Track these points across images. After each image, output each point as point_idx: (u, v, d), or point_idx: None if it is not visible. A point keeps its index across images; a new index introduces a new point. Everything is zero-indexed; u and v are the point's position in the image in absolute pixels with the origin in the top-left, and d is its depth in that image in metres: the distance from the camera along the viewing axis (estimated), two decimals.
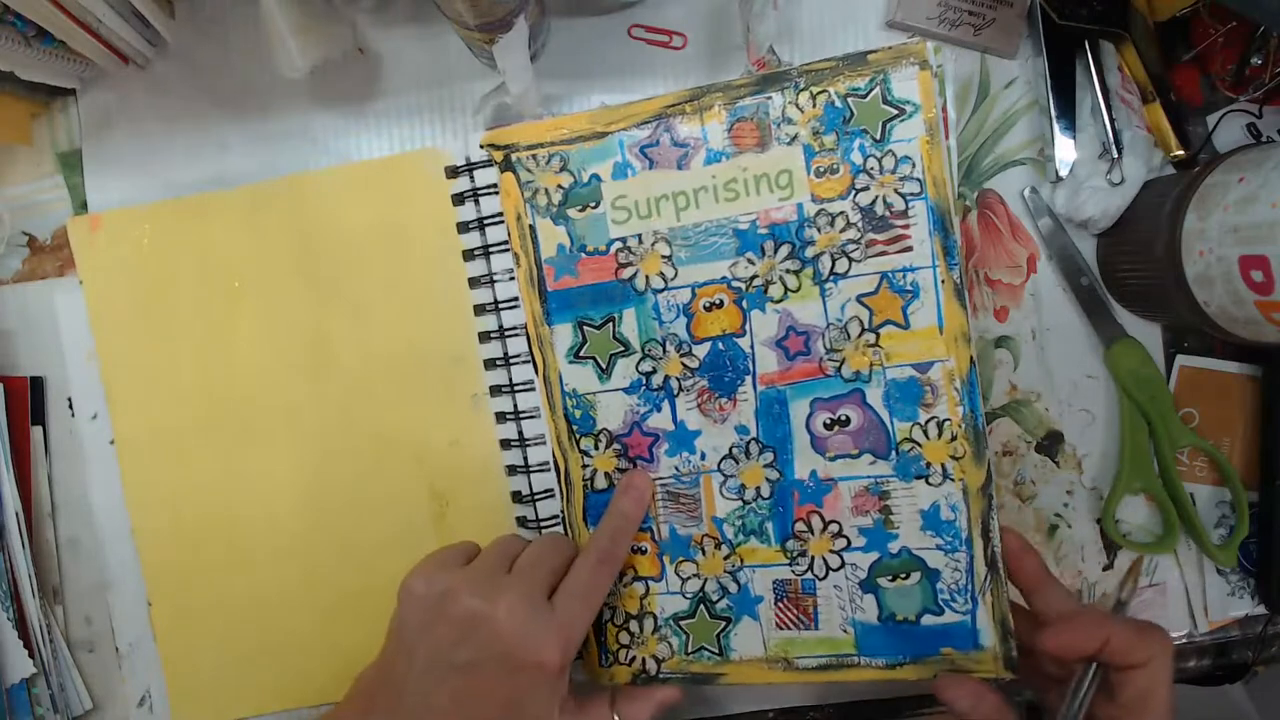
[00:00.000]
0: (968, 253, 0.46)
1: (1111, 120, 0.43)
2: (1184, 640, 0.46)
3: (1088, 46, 0.44)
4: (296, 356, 0.46)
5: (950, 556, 0.41)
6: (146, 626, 0.47)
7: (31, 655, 0.45)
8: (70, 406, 0.48)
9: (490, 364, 0.45)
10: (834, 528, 0.43)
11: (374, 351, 0.46)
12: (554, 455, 0.45)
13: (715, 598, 0.44)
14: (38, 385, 0.48)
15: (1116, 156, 0.43)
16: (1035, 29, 0.44)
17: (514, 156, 0.44)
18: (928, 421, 0.42)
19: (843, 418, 0.43)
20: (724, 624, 0.44)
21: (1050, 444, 0.46)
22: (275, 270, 0.46)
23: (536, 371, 0.44)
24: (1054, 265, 0.46)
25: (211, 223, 0.46)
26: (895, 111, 0.41)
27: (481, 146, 0.44)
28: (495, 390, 0.45)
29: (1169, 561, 0.46)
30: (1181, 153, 0.44)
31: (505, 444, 0.45)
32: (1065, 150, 0.44)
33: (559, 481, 0.45)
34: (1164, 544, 0.45)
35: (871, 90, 0.41)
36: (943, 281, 0.41)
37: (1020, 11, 0.45)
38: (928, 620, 0.42)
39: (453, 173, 0.45)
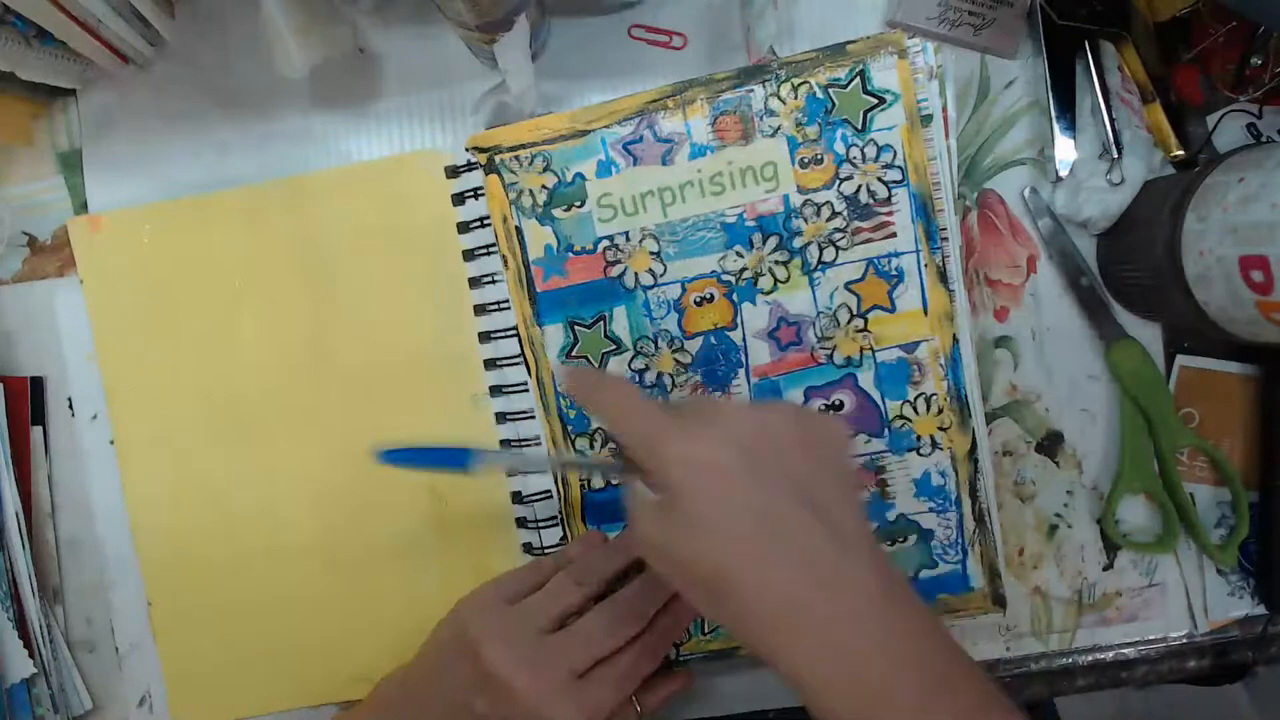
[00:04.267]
0: (968, 253, 0.46)
1: (1111, 120, 0.43)
2: (1184, 640, 0.46)
3: (1088, 46, 0.44)
4: (296, 356, 0.46)
5: (942, 517, 0.44)
6: (146, 626, 0.47)
7: (31, 655, 0.45)
8: (70, 406, 0.48)
9: (490, 364, 0.45)
10: None
11: (374, 351, 0.46)
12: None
13: None
14: (38, 385, 0.48)
15: (1116, 156, 0.43)
16: (1035, 29, 0.44)
17: (497, 158, 0.44)
18: (916, 398, 0.43)
19: (837, 402, 0.44)
20: None
21: (1050, 444, 0.46)
22: (275, 270, 0.46)
23: (530, 372, 0.44)
24: (1054, 265, 0.46)
25: (212, 223, 0.46)
26: (875, 101, 0.42)
27: (466, 149, 0.44)
28: (495, 390, 0.45)
29: (1169, 561, 0.46)
30: (1181, 153, 0.44)
31: (505, 444, 0.45)
32: (1065, 150, 0.44)
33: (556, 482, 0.45)
34: (1164, 544, 0.45)
35: (851, 80, 0.42)
36: (926, 265, 0.43)
37: (1020, 11, 0.45)
38: (924, 574, 0.44)
39: (453, 173, 0.45)
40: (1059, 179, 0.44)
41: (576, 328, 0.44)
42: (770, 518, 0.30)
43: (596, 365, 0.44)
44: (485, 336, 0.45)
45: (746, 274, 0.43)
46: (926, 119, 0.42)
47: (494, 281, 0.45)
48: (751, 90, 0.42)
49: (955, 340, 0.43)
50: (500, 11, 0.38)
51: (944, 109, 0.43)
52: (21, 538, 0.46)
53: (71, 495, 0.48)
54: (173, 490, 0.47)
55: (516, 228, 0.44)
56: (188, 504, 0.47)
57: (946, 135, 0.43)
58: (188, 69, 0.47)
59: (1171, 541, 0.45)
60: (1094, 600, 0.46)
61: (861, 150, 0.42)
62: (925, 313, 0.43)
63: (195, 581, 0.47)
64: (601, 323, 0.44)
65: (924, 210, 0.42)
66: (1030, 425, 0.46)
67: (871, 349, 0.43)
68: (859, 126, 0.42)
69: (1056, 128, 0.44)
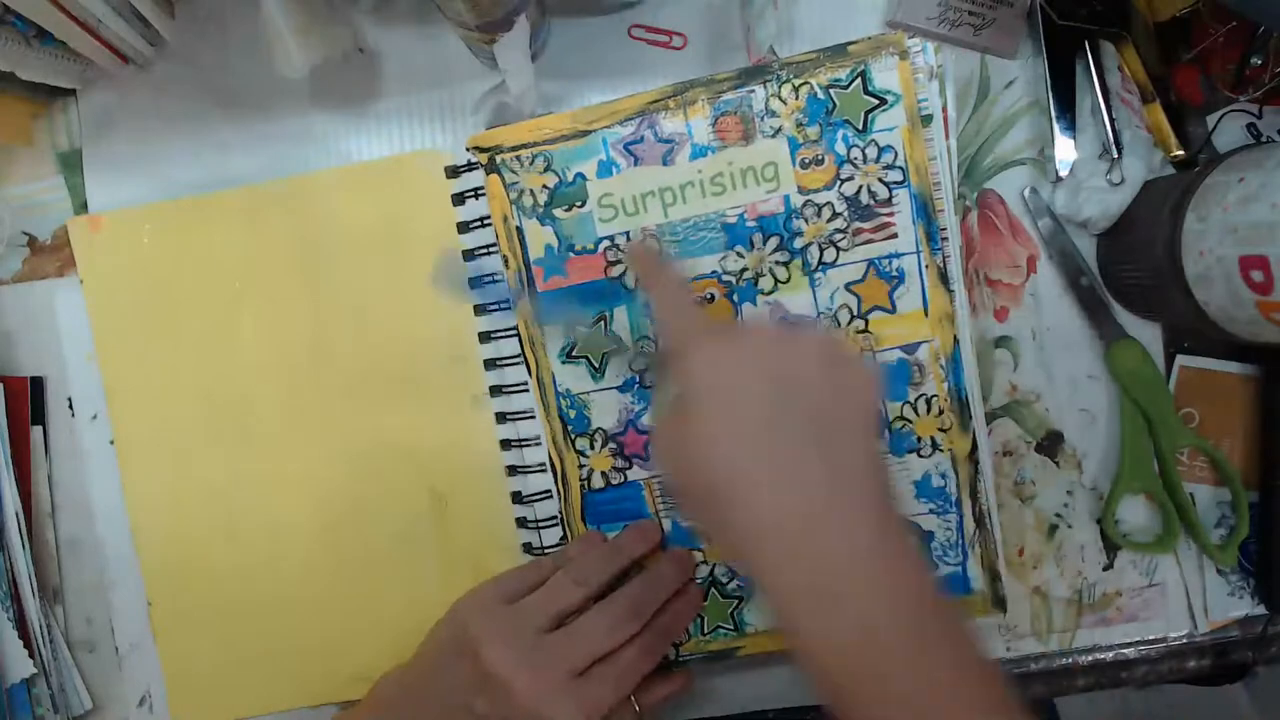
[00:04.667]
0: (968, 253, 0.46)
1: (1111, 120, 0.43)
2: (1184, 640, 0.46)
3: (1088, 46, 0.44)
4: (296, 357, 0.46)
5: (942, 518, 0.44)
6: (146, 626, 0.47)
7: (31, 655, 0.45)
8: (70, 406, 0.48)
9: (490, 364, 0.45)
10: None
11: (374, 352, 0.46)
12: (550, 456, 0.45)
13: (725, 580, 0.45)
14: (38, 385, 0.48)
15: (1116, 156, 0.43)
16: (1035, 29, 0.44)
17: (498, 159, 0.44)
18: (917, 399, 0.43)
19: None
20: (736, 602, 0.44)
21: (1050, 444, 0.46)
22: (275, 271, 0.46)
23: (530, 372, 0.44)
24: (1054, 265, 0.46)
25: (212, 223, 0.46)
26: (876, 101, 0.42)
27: (467, 149, 0.44)
28: (495, 390, 0.45)
29: (1169, 561, 0.46)
30: (1181, 153, 0.44)
31: (505, 444, 0.45)
32: (1065, 150, 0.44)
33: (556, 482, 0.45)
34: (1164, 544, 0.45)
35: (853, 81, 0.42)
36: (926, 266, 0.43)
37: (1020, 11, 0.44)
38: None
39: (453, 173, 0.45)
40: (1059, 179, 0.44)
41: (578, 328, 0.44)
42: (775, 442, 0.31)
43: (597, 366, 0.44)
44: (485, 336, 0.45)
45: (747, 274, 0.43)
46: (926, 119, 0.42)
47: (495, 281, 0.45)
48: (752, 91, 0.42)
49: (956, 342, 0.43)
50: (500, 11, 0.38)
51: (944, 109, 0.43)
52: (21, 538, 0.46)
53: (71, 495, 0.48)
54: (173, 490, 0.47)
55: (517, 228, 0.44)
56: (188, 504, 0.47)
57: (946, 135, 0.43)
58: (188, 69, 0.47)
59: (1171, 541, 0.45)
60: (1094, 600, 0.46)
61: (862, 151, 0.42)
62: (926, 314, 0.43)
63: (195, 581, 0.47)
64: (602, 323, 0.44)
65: (925, 211, 0.42)
66: (1030, 425, 0.46)
67: (872, 350, 0.43)
68: (860, 127, 0.42)
69: (1056, 128, 0.44)
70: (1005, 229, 0.46)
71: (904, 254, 0.43)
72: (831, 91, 0.42)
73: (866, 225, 0.43)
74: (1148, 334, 0.45)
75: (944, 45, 0.44)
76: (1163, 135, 0.44)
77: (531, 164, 0.43)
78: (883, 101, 0.42)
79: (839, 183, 0.43)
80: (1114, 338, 0.45)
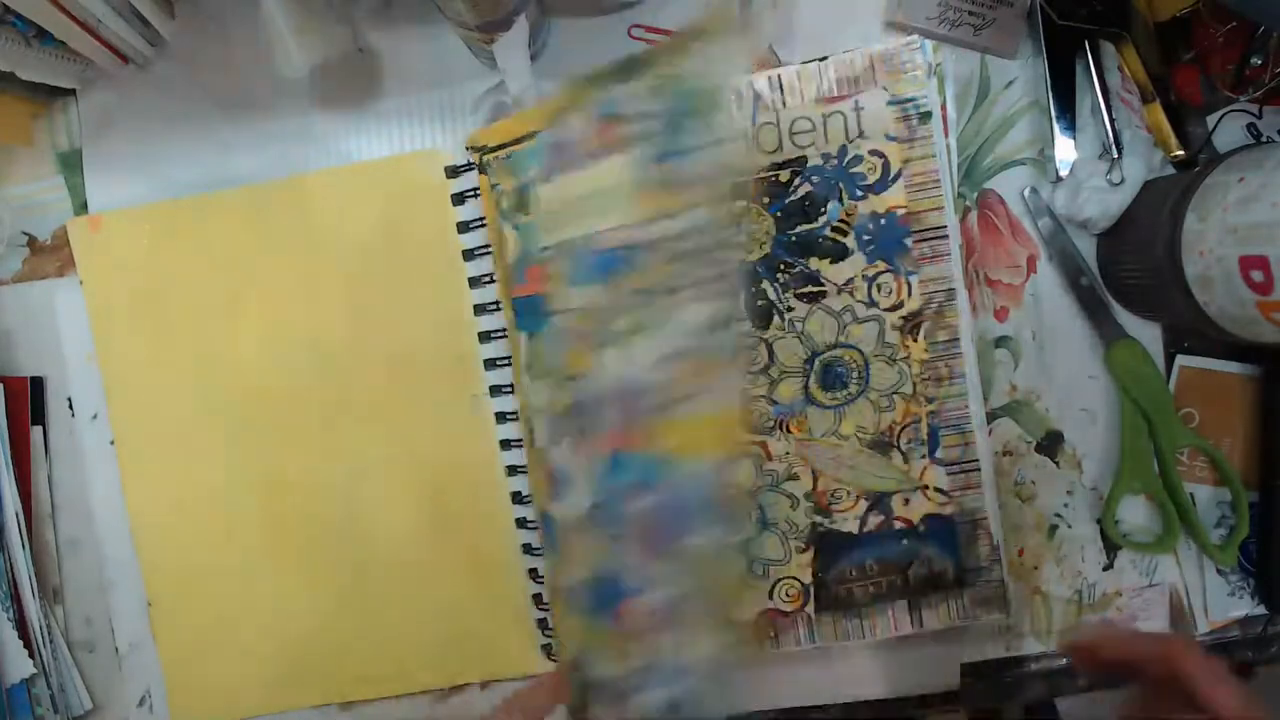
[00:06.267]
0: (968, 253, 0.46)
1: (1111, 120, 0.43)
2: None
3: (1088, 46, 0.44)
4: (296, 357, 0.46)
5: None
6: (146, 626, 0.47)
7: (31, 655, 0.45)
8: (70, 406, 0.48)
9: (490, 364, 0.45)
10: None
11: (374, 352, 0.46)
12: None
13: None
14: (38, 385, 0.48)
15: (1116, 156, 0.43)
16: (1035, 29, 0.44)
17: (485, 159, 0.43)
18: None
19: None
20: None
21: (1050, 444, 0.46)
22: (275, 270, 0.46)
23: (516, 377, 0.44)
24: (1054, 265, 0.46)
25: (212, 223, 0.46)
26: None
27: (467, 149, 0.44)
28: (495, 390, 0.45)
29: (1169, 561, 0.46)
30: (1181, 153, 0.44)
31: (505, 444, 0.45)
32: (1065, 150, 0.44)
33: None
34: (1164, 544, 0.45)
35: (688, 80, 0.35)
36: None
37: (1020, 11, 0.44)
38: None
39: (453, 173, 0.45)
40: (1059, 179, 0.44)
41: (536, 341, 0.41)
42: None
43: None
44: (485, 336, 0.45)
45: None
46: (925, 116, 0.42)
47: (494, 281, 0.45)
48: (623, 87, 0.35)
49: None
50: (500, 11, 0.38)
51: (943, 107, 0.43)
52: (21, 538, 0.46)
53: (71, 495, 0.48)
54: (173, 490, 0.47)
55: (499, 230, 0.43)
56: (188, 504, 0.47)
57: (946, 133, 0.43)
58: (188, 69, 0.47)
59: (1171, 541, 0.45)
60: (1094, 600, 0.46)
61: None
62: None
63: (195, 581, 0.47)
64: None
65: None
66: (1030, 425, 0.46)
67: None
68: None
69: (1056, 128, 0.44)
70: (1005, 229, 0.46)
71: None
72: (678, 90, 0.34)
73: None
74: (1148, 334, 0.45)
75: (944, 45, 0.44)
76: (1163, 135, 0.44)
77: (507, 164, 0.42)
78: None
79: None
80: (1114, 338, 0.45)
